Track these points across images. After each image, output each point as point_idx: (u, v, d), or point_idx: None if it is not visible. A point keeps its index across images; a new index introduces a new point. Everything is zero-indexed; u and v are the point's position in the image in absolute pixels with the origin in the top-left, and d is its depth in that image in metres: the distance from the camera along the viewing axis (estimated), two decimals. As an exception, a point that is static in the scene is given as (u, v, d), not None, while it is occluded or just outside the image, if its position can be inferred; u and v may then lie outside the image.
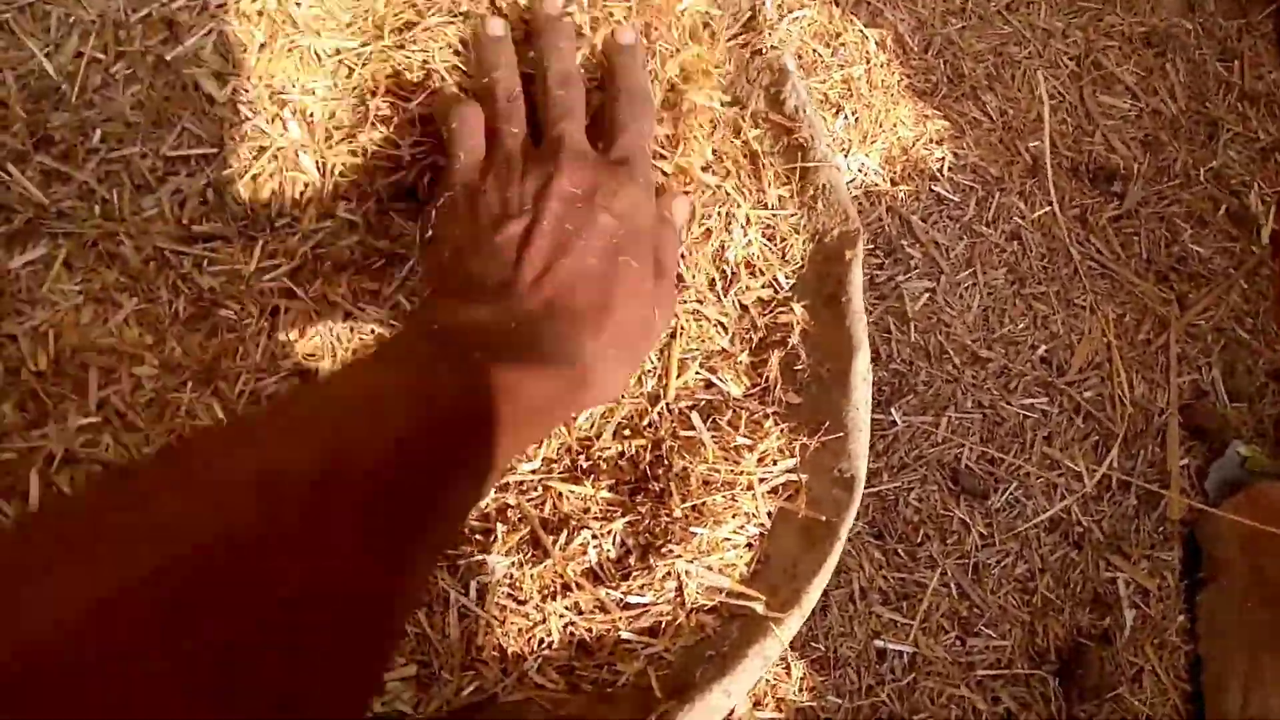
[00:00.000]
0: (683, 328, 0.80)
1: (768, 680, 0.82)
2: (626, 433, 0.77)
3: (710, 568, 0.71)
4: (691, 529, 0.70)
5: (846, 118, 1.03)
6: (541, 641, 0.68)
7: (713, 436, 0.75)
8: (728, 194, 0.80)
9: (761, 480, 0.74)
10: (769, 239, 0.81)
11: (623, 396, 0.78)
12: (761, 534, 0.72)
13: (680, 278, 0.79)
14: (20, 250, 0.68)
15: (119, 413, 0.67)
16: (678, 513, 0.71)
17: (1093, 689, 0.90)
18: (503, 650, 0.67)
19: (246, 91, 0.78)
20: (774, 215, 0.82)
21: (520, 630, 0.68)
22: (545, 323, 0.52)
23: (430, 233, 0.64)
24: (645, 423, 0.77)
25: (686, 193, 0.78)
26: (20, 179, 0.69)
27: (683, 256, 0.79)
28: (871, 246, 0.97)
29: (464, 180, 0.64)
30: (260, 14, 0.80)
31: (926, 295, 0.97)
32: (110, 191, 0.72)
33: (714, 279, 0.80)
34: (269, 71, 0.78)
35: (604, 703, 0.65)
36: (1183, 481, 1.03)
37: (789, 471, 0.73)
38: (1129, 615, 0.93)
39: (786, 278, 0.81)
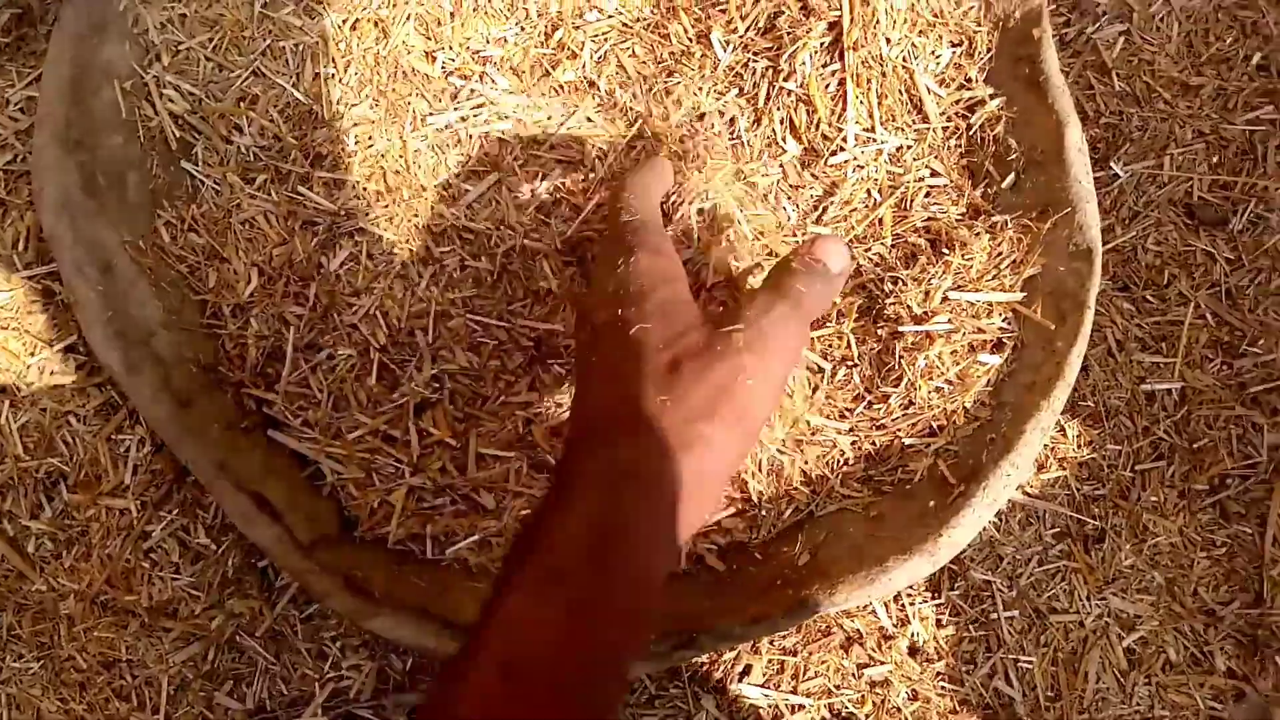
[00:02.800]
0: (893, 168, 0.84)
1: (1046, 445, 0.88)
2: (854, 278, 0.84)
3: (954, 379, 0.78)
4: (935, 333, 0.77)
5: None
6: (838, 461, 0.78)
7: (941, 251, 0.81)
8: (900, 15, 0.82)
9: (996, 276, 0.79)
10: (954, 45, 0.83)
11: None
12: (1011, 325, 0.78)
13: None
14: (332, 254, 0.82)
15: (445, 356, 0.80)
16: (915, 329, 0.78)
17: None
18: (807, 475, 0.78)
19: (453, 60, 0.87)
20: (949, 17, 0.83)
21: (817, 457, 0.78)
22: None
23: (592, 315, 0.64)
24: (871, 260, 0.83)
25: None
26: (311, 196, 0.82)
27: (880, 98, 0.82)
28: (1054, 6, 0.96)
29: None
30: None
31: (1122, 39, 0.96)
32: (379, 183, 0.84)
33: (910, 102, 0.83)
34: (464, 35, 0.87)
35: (907, 498, 0.75)
36: None
37: (1025, 261, 0.78)
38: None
39: (979, 73, 0.83)
